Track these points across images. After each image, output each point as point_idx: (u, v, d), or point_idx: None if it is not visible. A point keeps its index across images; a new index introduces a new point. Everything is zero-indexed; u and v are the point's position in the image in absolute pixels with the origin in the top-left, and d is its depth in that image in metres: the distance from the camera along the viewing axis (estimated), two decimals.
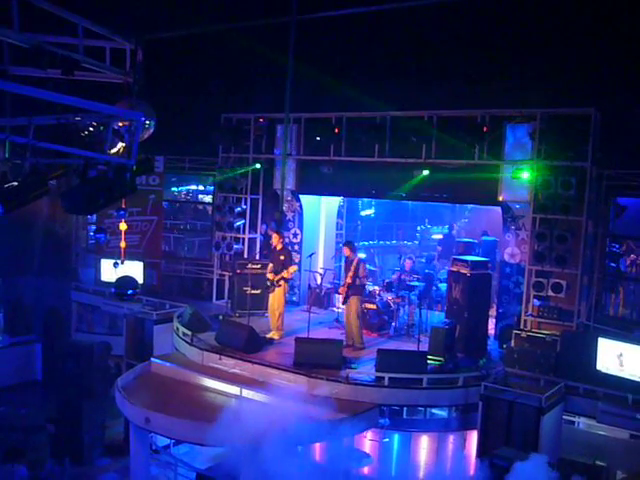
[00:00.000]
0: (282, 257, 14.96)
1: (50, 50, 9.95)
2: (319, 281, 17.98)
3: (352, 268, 14.23)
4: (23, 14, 9.49)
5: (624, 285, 15.56)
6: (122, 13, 12.73)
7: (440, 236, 22.74)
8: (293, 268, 15.10)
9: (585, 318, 14.62)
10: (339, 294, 15.10)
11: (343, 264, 15.51)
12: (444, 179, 15.85)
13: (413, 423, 12.64)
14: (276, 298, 14.96)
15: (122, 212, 14.35)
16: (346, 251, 14.72)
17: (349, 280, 14.23)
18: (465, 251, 17.98)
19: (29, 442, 14.14)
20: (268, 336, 14.76)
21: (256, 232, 19.21)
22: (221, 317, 15.93)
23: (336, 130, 16.96)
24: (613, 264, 15.54)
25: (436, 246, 21.72)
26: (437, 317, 16.11)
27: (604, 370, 12.58)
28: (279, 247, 15.21)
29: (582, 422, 12.53)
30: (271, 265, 15.06)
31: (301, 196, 18.64)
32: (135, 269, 17.59)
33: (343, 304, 14.83)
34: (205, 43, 18.16)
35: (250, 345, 13.76)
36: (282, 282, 14.88)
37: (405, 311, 16.08)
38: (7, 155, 9.22)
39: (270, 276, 14.93)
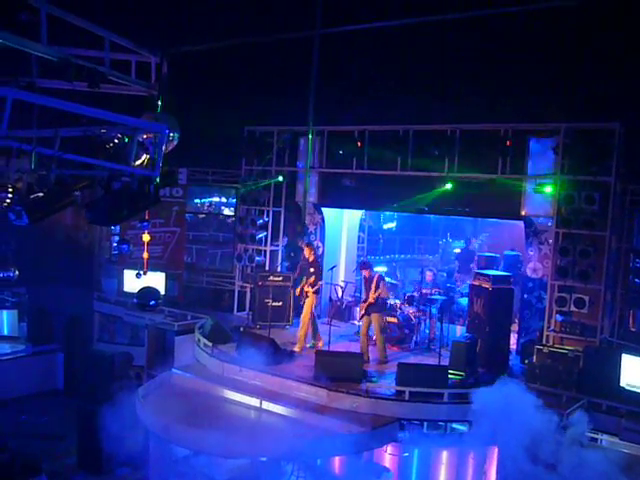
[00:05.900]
0: (312, 269, 15.10)
1: (77, 63, 10.07)
2: (340, 294, 17.96)
3: (373, 286, 14.16)
4: (51, 27, 9.63)
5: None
6: (148, 27, 12.86)
7: (458, 250, 22.66)
8: (311, 279, 15.11)
9: (608, 334, 14.48)
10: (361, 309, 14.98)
11: (362, 282, 15.41)
12: (466, 193, 15.80)
13: (433, 438, 12.55)
14: (305, 309, 15.10)
15: (145, 223, 14.41)
16: (365, 272, 14.57)
17: (372, 300, 14.15)
18: (487, 265, 17.89)
19: (50, 451, 14.23)
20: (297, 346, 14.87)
21: (278, 244, 19.24)
22: (242, 329, 15.95)
23: (359, 143, 16.98)
24: (637, 279, 15.37)
25: (454, 260, 21.64)
26: (458, 331, 16.04)
27: (628, 387, 12.43)
28: (311, 259, 15.35)
29: (605, 439, 12.37)
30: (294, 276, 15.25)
31: (323, 209, 18.62)
32: (157, 280, 17.67)
33: (360, 319, 14.80)
34: (229, 56, 18.28)
35: (271, 357, 13.79)
36: (310, 293, 14.97)
37: (426, 325, 16.03)
38: (33, 166, 9.32)
39: (297, 290, 15.27)
